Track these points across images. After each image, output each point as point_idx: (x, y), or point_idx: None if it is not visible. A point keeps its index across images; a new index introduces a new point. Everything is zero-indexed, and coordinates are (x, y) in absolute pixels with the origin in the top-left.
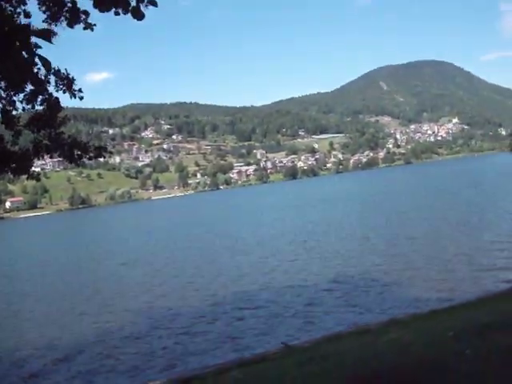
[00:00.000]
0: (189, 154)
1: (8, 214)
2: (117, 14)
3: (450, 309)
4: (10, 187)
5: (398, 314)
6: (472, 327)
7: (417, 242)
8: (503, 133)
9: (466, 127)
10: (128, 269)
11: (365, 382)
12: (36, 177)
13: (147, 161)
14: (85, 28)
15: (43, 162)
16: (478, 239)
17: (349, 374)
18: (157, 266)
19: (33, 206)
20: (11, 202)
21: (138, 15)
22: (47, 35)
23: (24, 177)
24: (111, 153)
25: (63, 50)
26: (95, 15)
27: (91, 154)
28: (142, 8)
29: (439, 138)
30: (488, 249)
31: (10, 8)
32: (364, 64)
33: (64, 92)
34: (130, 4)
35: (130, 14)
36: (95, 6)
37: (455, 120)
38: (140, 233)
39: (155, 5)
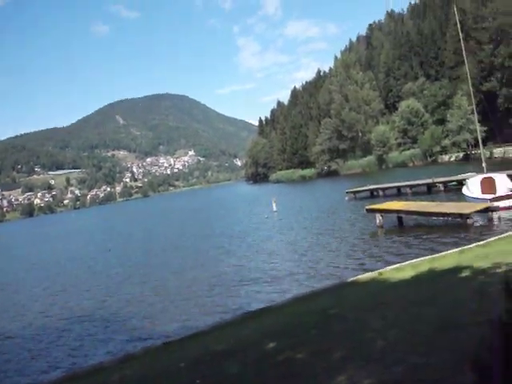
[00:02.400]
0: None
1: None
2: None
3: (185, 339)
4: None
5: (132, 350)
6: (203, 356)
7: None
8: (238, 163)
9: (201, 159)
10: None
11: None
12: None
13: None
14: None
15: None
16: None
17: None
18: None
19: None
20: None
21: None
22: None
23: None
24: None
25: None
26: None
27: None
28: None
29: (176, 171)
30: (222, 277)
31: None
32: (101, 98)
33: None
34: None
35: None
36: None
37: (191, 152)
38: None
39: None
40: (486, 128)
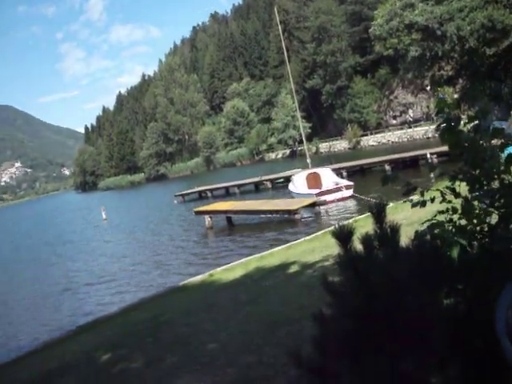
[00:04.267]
0: None
1: None
2: None
3: (14, 361)
4: None
5: None
6: (36, 377)
7: None
8: (67, 172)
9: (29, 170)
10: None
11: None
12: None
13: None
14: None
15: None
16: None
17: None
18: None
19: None
20: None
21: None
22: None
23: None
24: None
25: None
26: None
27: None
28: None
29: (3, 184)
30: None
31: None
32: None
33: None
34: None
35: None
36: None
37: (18, 164)
38: None
39: None
40: (310, 124)
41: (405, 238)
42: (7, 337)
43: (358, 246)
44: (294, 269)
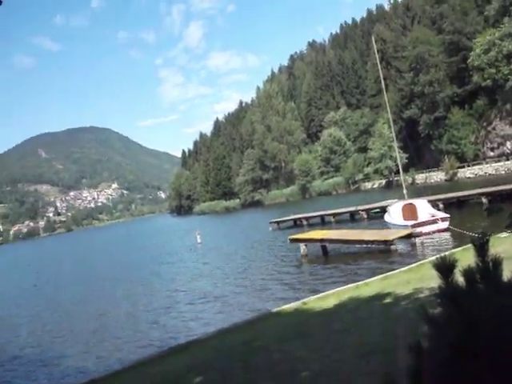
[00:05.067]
0: None
1: None
2: None
3: (108, 377)
4: None
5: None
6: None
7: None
8: (162, 196)
9: (125, 192)
10: None
11: None
12: None
13: None
14: None
15: None
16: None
17: None
18: None
19: None
20: None
21: None
22: None
23: None
24: None
25: None
26: None
27: None
28: None
29: (99, 204)
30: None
31: None
32: (22, 131)
33: None
34: None
35: None
36: None
37: (115, 185)
38: None
39: None
40: (407, 155)
41: (507, 272)
42: (105, 352)
43: (459, 278)
44: (388, 300)
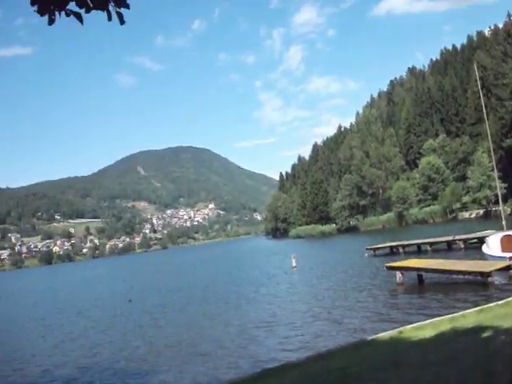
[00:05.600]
0: None
1: None
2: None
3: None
4: None
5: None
6: None
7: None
8: (258, 217)
9: (222, 212)
10: None
11: None
12: None
13: None
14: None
15: None
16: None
17: None
18: None
19: None
20: None
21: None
22: None
23: None
24: None
25: None
26: None
27: None
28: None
29: (195, 223)
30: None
31: None
32: (122, 148)
33: None
34: None
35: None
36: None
37: (211, 205)
38: None
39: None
40: (506, 185)
41: None
42: (200, 368)
43: None
44: (486, 333)
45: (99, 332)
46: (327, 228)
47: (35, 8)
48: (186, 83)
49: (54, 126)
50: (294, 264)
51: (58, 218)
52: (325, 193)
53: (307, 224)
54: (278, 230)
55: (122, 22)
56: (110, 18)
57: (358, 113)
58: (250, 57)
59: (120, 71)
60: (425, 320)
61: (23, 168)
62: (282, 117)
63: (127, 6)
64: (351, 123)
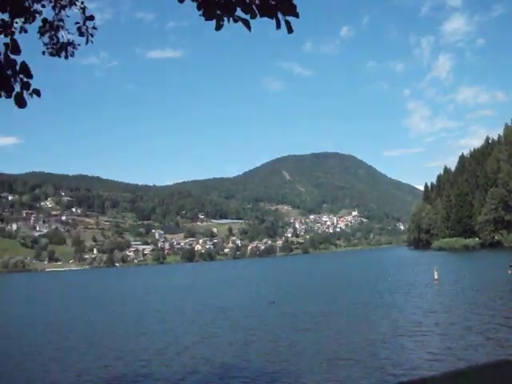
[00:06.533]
0: (87, 228)
1: None
2: None
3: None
4: None
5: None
6: None
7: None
8: (401, 227)
9: (365, 220)
10: None
11: None
12: None
13: (44, 231)
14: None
15: None
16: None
17: None
18: None
19: None
20: None
21: (20, 103)
22: None
23: None
24: (2, 220)
25: None
26: None
27: None
28: (26, 96)
29: (338, 230)
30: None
31: None
32: (268, 152)
33: None
34: (13, 89)
35: (12, 100)
36: None
37: (355, 213)
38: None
39: (38, 95)
40: None
41: None
42: (346, 377)
43: None
44: None
45: (240, 330)
46: (470, 242)
47: (201, 12)
48: (334, 90)
49: (202, 127)
50: (435, 276)
51: (202, 217)
52: (470, 206)
53: (450, 236)
54: (421, 240)
55: (290, 30)
56: (278, 26)
57: (506, 125)
58: (398, 65)
59: (268, 75)
60: None
61: (171, 168)
62: (430, 127)
63: (296, 15)
64: (499, 135)
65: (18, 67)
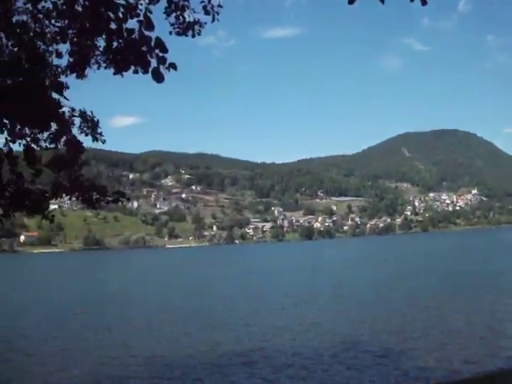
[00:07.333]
0: (207, 205)
1: (21, 249)
2: (135, 72)
3: None
4: (26, 221)
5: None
6: None
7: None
8: None
9: (484, 199)
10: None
11: None
12: (50, 218)
13: (165, 209)
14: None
15: (61, 200)
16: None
17: None
18: None
19: (46, 243)
20: (25, 236)
21: (158, 77)
22: (59, 88)
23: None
24: (129, 199)
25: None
26: None
27: (109, 199)
28: (162, 70)
29: (457, 208)
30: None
31: (43, 47)
32: (387, 129)
33: (86, 135)
34: (150, 65)
35: (150, 75)
36: (111, 65)
37: (474, 191)
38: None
39: (175, 68)
40: None
41: None
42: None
43: None
44: None
45: (363, 307)
46: None
47: None
48: (451, 65)
49: (325, 106)
50: None
51: (321, 194)
52: None
53: None
54: None
55: (424, 2)
56: None
57: None
58: None
59: (387, 53)
60: None
61: (290, 145)
62: None
63: None
64: None
65: (152, 43)
